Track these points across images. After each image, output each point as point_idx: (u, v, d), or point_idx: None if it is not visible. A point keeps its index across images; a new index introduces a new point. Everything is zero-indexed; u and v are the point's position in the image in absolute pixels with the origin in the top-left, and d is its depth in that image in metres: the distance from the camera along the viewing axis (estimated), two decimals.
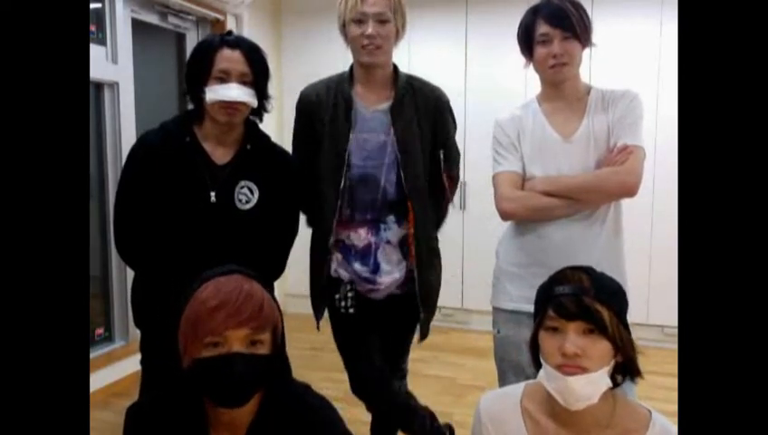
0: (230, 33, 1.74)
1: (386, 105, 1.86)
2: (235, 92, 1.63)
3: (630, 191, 1.67)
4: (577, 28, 1.65)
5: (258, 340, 1.06)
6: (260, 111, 1.77)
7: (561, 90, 1.74)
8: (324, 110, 1.85)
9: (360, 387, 1.94)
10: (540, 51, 1.68)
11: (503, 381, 1.78)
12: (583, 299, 1.10)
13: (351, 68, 1.90)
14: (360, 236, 1.87)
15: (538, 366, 1.18)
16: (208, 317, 1.03)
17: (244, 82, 1.65)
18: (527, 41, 1.71)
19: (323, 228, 1.88)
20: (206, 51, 1.66)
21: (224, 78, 1.63)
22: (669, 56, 3.61)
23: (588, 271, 1.16)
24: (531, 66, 1.76)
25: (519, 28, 1.74)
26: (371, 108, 1.86)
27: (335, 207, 1.85)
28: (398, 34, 1.83)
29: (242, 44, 1.68)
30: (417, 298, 1.90)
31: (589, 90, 1.76)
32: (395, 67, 1.91)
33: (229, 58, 1.64)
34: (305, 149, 1.91)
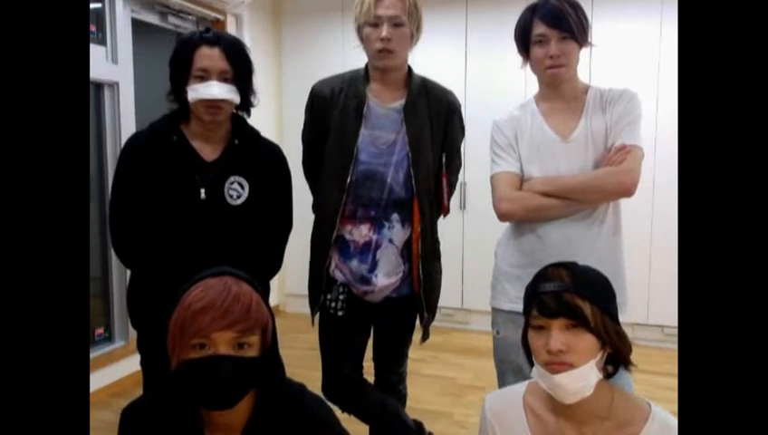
0: (208, 30, 1.72)
1: (399, 104, 1.85)
2: (216, 90, 1.62)
3: (628, 191, 1.66)
4: (574, 28, 1.64)
5: (246, 342, 1.05)
6: (246, 106, 1.76)
7: (558, 90, 1.73)
8: (336, 106, 1.85)
9: (328, 393, 1.94)
10: (537, 51, 1.67)
11: (502, 381, 1.78)
12: (563, 296, 1.12)
13: (367, 66, 1.90)
14: (362, 232, 1.86)
15: (532, 364, 1.20)
16: (195, 319, 1.03)
17: (224, 79, 1.64)
18: (524, 41, 1.70)
19: (326, 224, 1.87)
20: (185, 50, 1.65)
21: (204, 76, 1.62)
22: (669, 56, 3.61)
23: (569, 266, 1.17)
24: (528, 66, 1.76)
25: (516, 27, 1.73)
26: (384, 106, 1.86)
27: (340, 203, 1.84)
28: (412, 38, 1.83)
29: (221, 41, 1.66)
30: (422, 298, 1.90)
31: (586, 89, 1.76)
32: (409, 68, 1.91)
33: (208, 56, 1.63)
34: (315, 144, 1.91)
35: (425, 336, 2.01)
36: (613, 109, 1.70)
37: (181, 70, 1.65)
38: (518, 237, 1.77)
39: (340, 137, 1.83)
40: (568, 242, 1.68)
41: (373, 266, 1.86)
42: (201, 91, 1.62)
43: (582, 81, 1.78)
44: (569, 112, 1.73)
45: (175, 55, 1.69)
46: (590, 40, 1.71)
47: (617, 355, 1.16)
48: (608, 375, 1.17)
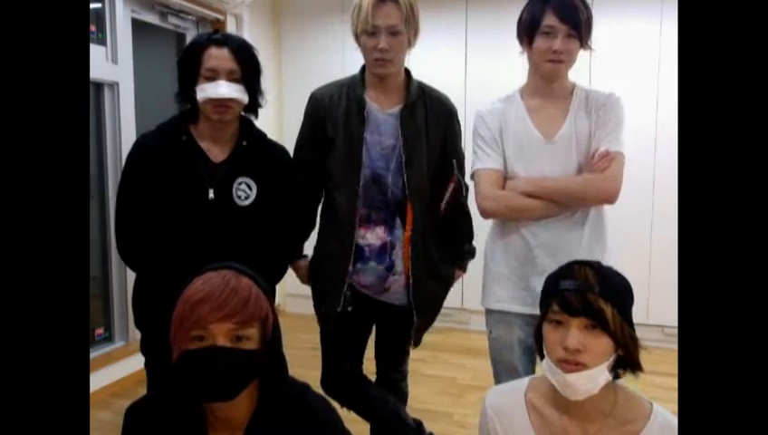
0: (217, 31, 1.76)
1: (397, 109, 1.86)
2: (224, 90, 1.64)
3: (610, 199, 1.68)
4: (582, 27, 1.64)
5: (244, 335, 1.06)
6: (254, 107, 1.78)
7: (549, 86, 1.72)
8: (337, 111, 1.84)
9: (327, 389, 1.95)
10: (541, 43, 1.65)
11: (498, 381, 1.78)
12: (587, 296, 1.12)
13: (363, 69, 1.89)
14: (378, 235, 1.86)
15: (542, 356, 1.20)
16: (193, 310, 1.04)
17: (233, 79, 1.66)
18: (530, 29, 1.68)
19: (342, 231, 1.85)
20: (195, 50, 1.68)
21: (212, 76, 1.64)
22: (669, 56, 3.61)
23: (594, 266, 1.17)
24: (524, 55, 1.74)
25: (523, 13, 1.70)
26: (383, 111, 1.86)
27: (354, 209, 1.83)
28: (409, 43, 1.82)
29: (229, 42, 1.69)
30: (411, 304, 1.89)
31: (573, 87, 1.75)
32: (408, 72, 1.91)
33: (217, 56, 1.65)
34: (314, 151, 1.89)
35: (415, 342, 1.99)
36: (598, 112, 1.70)
37: (190, 70, 1.67)
38: (504, 238, 1.78)
39: (347, 144, 1.83)
40: (553, 242, 1.69)
41: (390, 266, 1.87)
42: (210, 90, 1.64)
43: (570, 79, 1.77)
44: (555, 111, 1.73)
45: (183, 56, 1.71)
46: (589, 43, 1.71)
47: (628, 359, 1.16)
48: (615, 377, 1.18)
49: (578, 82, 1.79)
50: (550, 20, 1.63)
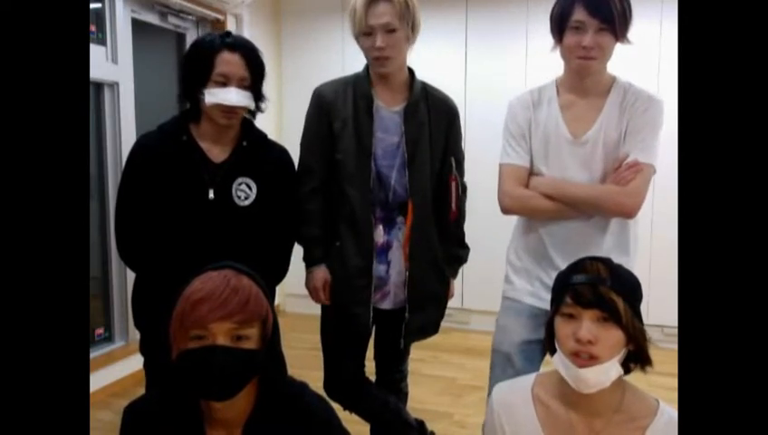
0: (228, 33, 1.73)
1: (400, 107, 1.86)
2: (235, 97, 1.63)
3: (629, 214, 1.63)
4: (615, 20, 1.56)
5: (244, 335, 1.06)
6: (256, 109, 1.78)
7: (583, 82, 1.67)
8: (343, 107, 1.84)
9: (331, 392, 1.95)
10: (570, 38, 1.59)
11: (491, 371, 1.77)
12: (599, 288, 1.13)
13: (367, 67, 1.89)
14: (380, 233, 1.87)
15: (553, 350, 1.21)
16: (193, 309, 1.04)
17: (243, 87, 1.66)
18: (560, 24, 1.62)
19: (361, 227, 1.84)
20: (206, 52, 1.66)
21: (224, 82, 1.64)
22: (669, 56, 3.61)
23: (606, 262, 1.19)
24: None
25: (554, 8, 1.65)
26: (388, 109, 1.86)
27: (369, 206, 1.83)
28: (409, 39, 1.82)
29: (241, 47, 1.68)
30: (406, 300, 1.89)
31: (611, 83, 1.68)
32: (411, 71, 1.92)
33: (230, 62, 1.64)
34: (320, 148, 1.88)
35: (405, 342, 1.97)
36: (632, 116, 1.63)
37: (199, 72, 1.65)
38: (525, 235, 1.79)
39: (358, 142, 1.83)
40: (569, 243, 1.68)
41: (388, 267, 1.88)
42: (220, 96, 1.63)
43: (609, 73, 1.70)
44: (587, 109, 1.68)
45: (193, 57, 1.69)
46: (628, 36, 1.61)
47: (638, 353, 1.17)
48: (626, 371, 1.19)
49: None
50: (579, 14, 1.57)
